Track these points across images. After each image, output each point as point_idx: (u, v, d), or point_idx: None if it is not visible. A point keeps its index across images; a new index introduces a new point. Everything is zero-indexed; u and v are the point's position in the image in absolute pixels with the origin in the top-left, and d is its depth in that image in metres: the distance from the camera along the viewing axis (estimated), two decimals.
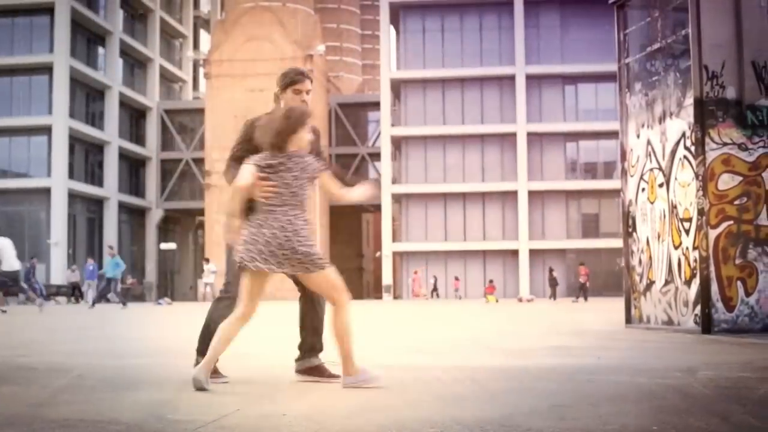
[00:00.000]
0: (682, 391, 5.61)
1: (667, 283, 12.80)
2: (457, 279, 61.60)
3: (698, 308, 11.82)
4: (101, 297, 32.98)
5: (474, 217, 64.57)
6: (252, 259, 5.61)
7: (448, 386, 6.07)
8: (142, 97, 73.35)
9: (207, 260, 50.74)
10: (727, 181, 11.86)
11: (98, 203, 67.27)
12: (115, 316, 24.00)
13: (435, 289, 59.80)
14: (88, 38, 67.25)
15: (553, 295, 51.21)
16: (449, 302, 49.13)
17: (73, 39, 63.82)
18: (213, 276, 51.91)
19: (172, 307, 36.80)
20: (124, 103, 70.54)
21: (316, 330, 6.49)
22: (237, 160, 6.13)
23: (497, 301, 48.29)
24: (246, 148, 6.15)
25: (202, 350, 6.25)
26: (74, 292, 47.35)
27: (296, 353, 6.53)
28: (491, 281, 54.23)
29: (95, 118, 67.44)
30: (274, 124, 5.74)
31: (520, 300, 50.32)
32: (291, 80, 6.36)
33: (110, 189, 67.44)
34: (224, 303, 6.35)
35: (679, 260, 12.41)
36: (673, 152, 12.63)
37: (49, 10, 62.30)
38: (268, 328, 14.45)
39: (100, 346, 10.79)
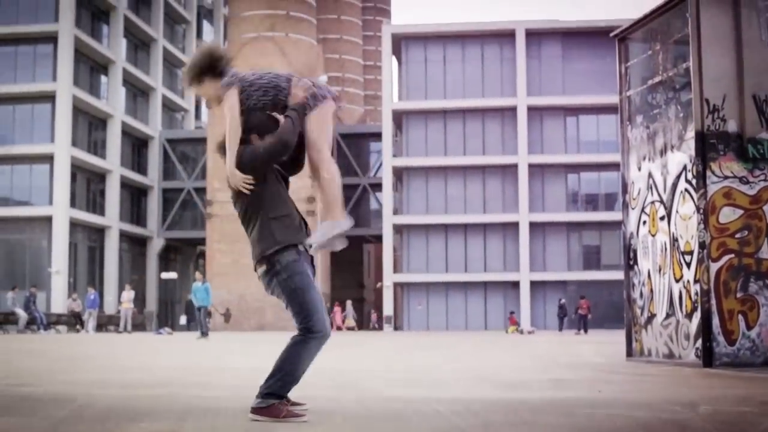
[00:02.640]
0: (683, 426, 5.60)
1: (668, 316, 12.78)
2: (375, 312, 63.22)
3: (699, 341, 11.80)
4: (205, 326, 32.27)
5: (475, 249, 64.47)
6: None
7: (446, 419, 6.06)
8: (144, 126, 73.45)
9: None
10: (728, 215, 11.87)
11: (99, 232, 67.24)
12: (115, 346, 23.94)
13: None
14: (91, 67, 67.43)
15: (561, 326, 51.35)
16: (381, 333, 49.40)
17: (76, 68, 63.94)
18: None
19: (172, 337, 36.72)
20: (126, 132, 70.61)
21: None
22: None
23: (515, 331, 50.38)
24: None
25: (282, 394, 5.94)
26: (76, 320, 47.21)
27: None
28: (512, 313, 56.18)
29: (97, 147, 67.50)
30: None
31: (522, 332, 50.29)
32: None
33: (112, 218, 67.42)
34: (314, 342, 5.97)
35: (681, 293, 12.40)
36: (675, 185, 12.65)
37: (53, 39, 62.45)
38: (271, 358, 14.40)
39: (101, 376, 10.78)
